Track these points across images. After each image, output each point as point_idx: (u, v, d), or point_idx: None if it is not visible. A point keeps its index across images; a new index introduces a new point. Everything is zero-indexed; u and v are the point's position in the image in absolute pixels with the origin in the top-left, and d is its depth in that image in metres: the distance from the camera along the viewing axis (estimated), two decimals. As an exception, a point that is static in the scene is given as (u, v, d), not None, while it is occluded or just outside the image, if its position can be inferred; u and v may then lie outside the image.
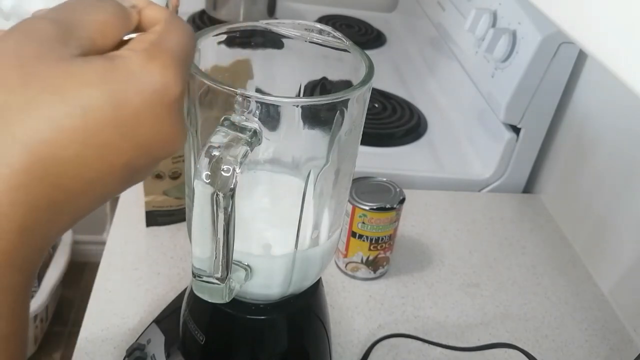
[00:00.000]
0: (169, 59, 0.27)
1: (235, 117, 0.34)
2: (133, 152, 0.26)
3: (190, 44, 0.29)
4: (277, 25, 0.42)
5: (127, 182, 0.28)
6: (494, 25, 0.92)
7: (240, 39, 0.42)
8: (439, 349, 0.65)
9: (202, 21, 1.26)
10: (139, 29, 0.30)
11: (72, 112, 0.24)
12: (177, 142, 0.28)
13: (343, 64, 0.42)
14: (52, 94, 0.24)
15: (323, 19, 1.38)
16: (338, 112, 0.38)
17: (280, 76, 0.46)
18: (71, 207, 0.26)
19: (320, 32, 0.42)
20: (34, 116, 0.23)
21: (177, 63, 0.27)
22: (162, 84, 0.26)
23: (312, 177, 0.40)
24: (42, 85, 0.24)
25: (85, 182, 0.25)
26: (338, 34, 0.41)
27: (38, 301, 1.48)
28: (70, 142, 0.24)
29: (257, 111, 0.35)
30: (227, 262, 0.37)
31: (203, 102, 0.37)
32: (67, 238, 1.65)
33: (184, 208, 0.59)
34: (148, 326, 0.57)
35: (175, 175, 0.72)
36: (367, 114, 0.42)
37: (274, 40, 0.43)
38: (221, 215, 0.34)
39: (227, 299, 0.39)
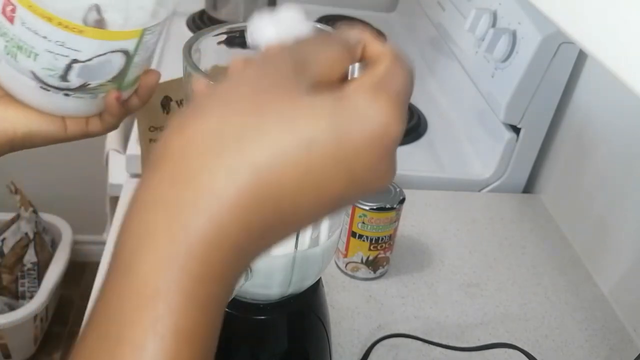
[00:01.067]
0: (393, 98, 0.27)
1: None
2: (346, 186, 0.27)
3: (412, 84, 0.30)
4: (277, 25, 0.42)
5: (333, 212, 0.28)
6: (494, 25, 0.92)
7: (240, 39, 0.42)
8: (439, 349, 0.65)
9: (202, 21, 1.26)
10: (362, 61, 0.30)
11: (299, 143, 0.25)
12: (389, 180, 0.29)
13: (343, 64, 0.42)
14: (283, 124, 0.25)
15: (323, 19, 1.38)
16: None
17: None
18: (280, 231, 0.27)
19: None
20: (266, 143, 0.25)
21: (400, 103, 0.28)
22: (384, 124, 0.27)
23: (312, 177, 0.40)
24: (275, 114, 0.25)
25: (298, 209, 0.26)
26: (338, 34, 0.41)
27: (38, 301, 1.48)
28: (294, 171, 0.25)
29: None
30: (227, 262, 0.37)
31: (203, 102, 0.37)
32: (66, 238, 1.65)
33: (184, 208, 0.58)
34: (148, 326, 0.57)
35: (175, 175, 0.72)
36: (367, 114, 0.42)
37: (274, 40, 0.43)
38: (221, 215, 0.34)
39: (227, 299, 0.39)
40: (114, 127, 0.51)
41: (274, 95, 0.26)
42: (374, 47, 0.30)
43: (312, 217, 0.28)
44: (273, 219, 0.26)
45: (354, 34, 0.30)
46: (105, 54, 0.43)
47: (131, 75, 0.47)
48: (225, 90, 0.27)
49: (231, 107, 0.26)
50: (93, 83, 0.45)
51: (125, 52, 0.44)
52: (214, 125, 0.25)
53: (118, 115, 0.49)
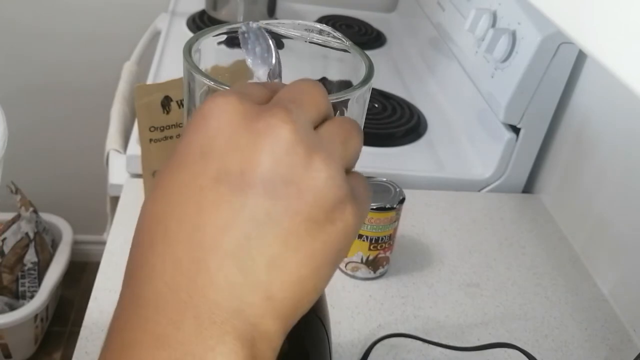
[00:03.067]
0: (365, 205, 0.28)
1: (236, 117, 0.34)
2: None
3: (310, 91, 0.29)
4: (277, 25, 0.42)
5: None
6: (493, 25, 0.92)
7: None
8: (439, 349, 0.65)
9: (202, 21, 1.26)
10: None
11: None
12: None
13: (343, 64, 0.42)
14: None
15: (323, 19, 1.38)
16: (338, 112, 0.38)
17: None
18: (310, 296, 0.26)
19: (320, 32, 0.42)
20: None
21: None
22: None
23: (312, 177, 0.40)
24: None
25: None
26: (338, 34, 0.42)
27: (39, 301, 1.48)
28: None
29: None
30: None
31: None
32: (67, 238, 1.65)
33: (184, 208, 0.58)
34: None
35: (176, 175, 0.72)
36: (367, 114, 0.42)
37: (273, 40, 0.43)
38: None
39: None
40: None
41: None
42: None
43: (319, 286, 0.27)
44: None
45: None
46: None
47: None
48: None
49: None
50: None
51: None
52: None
53: None
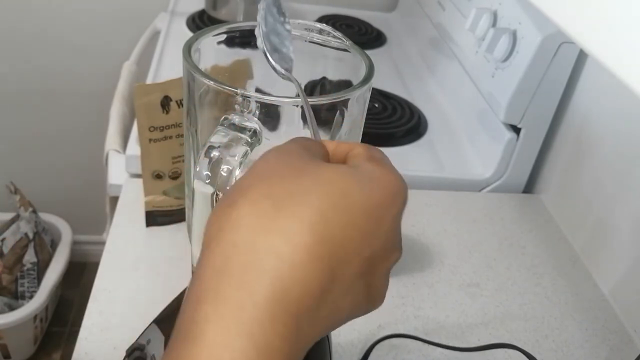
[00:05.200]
0: (389, 164, 0.31)
1: (235, 117, 0.34)
2: (373, 246, 0.29)
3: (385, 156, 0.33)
4: (277, 25, 0.42)
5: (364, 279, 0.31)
6: (494, 25, 0.92)
7: (240, 39, 0.42)
8: (439, 349, 0.65)
9: (202, 21, 1.26)
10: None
11: (338, 199, 0.28)
12: (399, 251, 0.32)
13: (343, 64, 0.42)
14: (320, 184, 0.28)
15: (323, 19, 1.38)
16: (338, 112, 0.38)
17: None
18: (337, 293, 0.29)
19: (320, 32, 0.42)
20: (311, 201, 0.27)
21: (394, 168, 0.31)
22: (399, 185, 0.30)
23: (312, 177, 0.40)
24: (309, 177, 0.28)
25: (348, 257, 0.28)
26: (338, 34, 0.41)
27: (38, 301, 1.48)
28: (340, 223, 0.27)
29: (257, 111, 0.35)
30: (227, 263, 0.37)
31: (203, 102, 0.37)
32: (66, 238, 1.65)
33: (184, 208, 0.59)
34: (148, 326, 0.57)
35: (175, 175, 0.72)
36: (367, 114, 0.42)
37: (274, 40, 0.43)
38: (221, 216, 0.34)
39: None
40: None
41: (300, 165, 0.29)
42: (341, 145, 0.34)
43: (358, 270, 0.29)
44: (329, 275, 0.27)
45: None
46: None
47: None
48: (258, 172, 0.29)
49: (269, 181, 0.28)
50: None
51: None
52: (259, 196, 0.27)
53: None
